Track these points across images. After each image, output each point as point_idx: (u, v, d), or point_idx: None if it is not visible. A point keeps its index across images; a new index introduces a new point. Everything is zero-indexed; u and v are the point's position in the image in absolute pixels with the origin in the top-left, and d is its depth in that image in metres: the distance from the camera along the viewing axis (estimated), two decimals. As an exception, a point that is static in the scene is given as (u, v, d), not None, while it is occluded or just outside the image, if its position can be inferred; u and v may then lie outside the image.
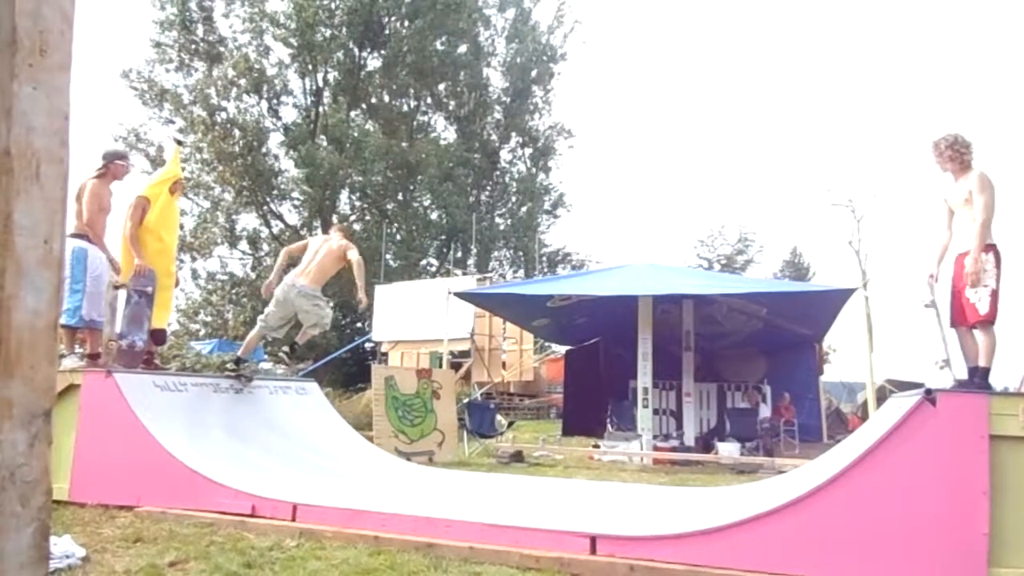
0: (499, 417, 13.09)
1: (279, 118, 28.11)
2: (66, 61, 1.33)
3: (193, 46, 26.47)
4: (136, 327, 6.06)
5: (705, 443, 11.68)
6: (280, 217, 29.01)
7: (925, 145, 4.75)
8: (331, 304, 6.81)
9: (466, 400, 14.07)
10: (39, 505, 1.27)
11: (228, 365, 6.75)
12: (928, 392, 3.72)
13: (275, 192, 27.96)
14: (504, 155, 33.96)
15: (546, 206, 33.81)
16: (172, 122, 26.77)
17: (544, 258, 31.36)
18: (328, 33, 26.53)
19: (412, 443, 9.32)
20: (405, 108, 30.49)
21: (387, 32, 27.68)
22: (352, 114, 28.51)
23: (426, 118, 31.73)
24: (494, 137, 33.07)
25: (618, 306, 11.83)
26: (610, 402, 13.00)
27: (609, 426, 12.10)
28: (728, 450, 10.40)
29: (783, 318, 12.78)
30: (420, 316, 16.47)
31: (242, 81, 26.14)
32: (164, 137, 26.18)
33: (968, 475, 3.52)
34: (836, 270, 62.86)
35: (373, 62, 28.56)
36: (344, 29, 26.72)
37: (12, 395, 1.23)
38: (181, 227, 20.02)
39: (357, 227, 29.59)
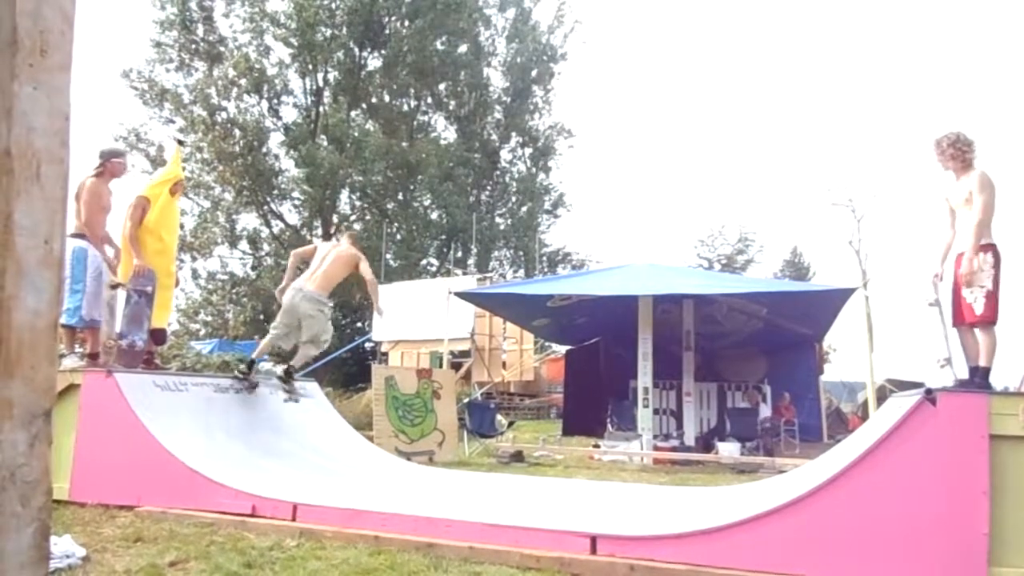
0: (499, 417, 13.09)
1: (279, 118, 28.16)
2: (66, 61, 1.34)
3: (193, 46, 26.48)
4: (136, 327, 6.05)
5: (705, 443, 11.68)
6: (280, 217, 29.05)
7: (925, 144, 4.75)
8: (331, 306, 6.78)
9: (466, 400, 14.06)
10: (39, 505, 1.27)
11: (241, 368, 6.68)
12: (928, 392, 3.72)
13: (275, 192, 27.98)
14: (504, 155, 34.01)
15: (546, 206, 33.82)
16: (172, 122, 26.81)
17: (544, 258, 31.37)
18: (328, 33, 26.53)
19: (412, 443, 9.32)
20: (405, 108, 30.49)
21: (387, 32, 27.69)
22: (352, 114, 28.51)
23: (426, 118, 31.75)
24: (494, 137, 33.08)
25: (618, 306, 11.83)
26: (610, 402, 13.01)
27: (609, 426, 12.10)
28: (728, 450, 10.40)
29: (783, 318, 12.78)
30: (420, 316, 16.45)
31: (242, 81, 26.15)
32: (164, 137, 26.22)
33: (968, 475, 3.52)
34: (836, 270, 62.91)
35: (373, 62, 28.58)
36: (344, 29, 26.73)
37: (12, 395, 1.23)
38: (181, 227, 20.03)
39: (357, 227, 29.60)
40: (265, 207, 28.22)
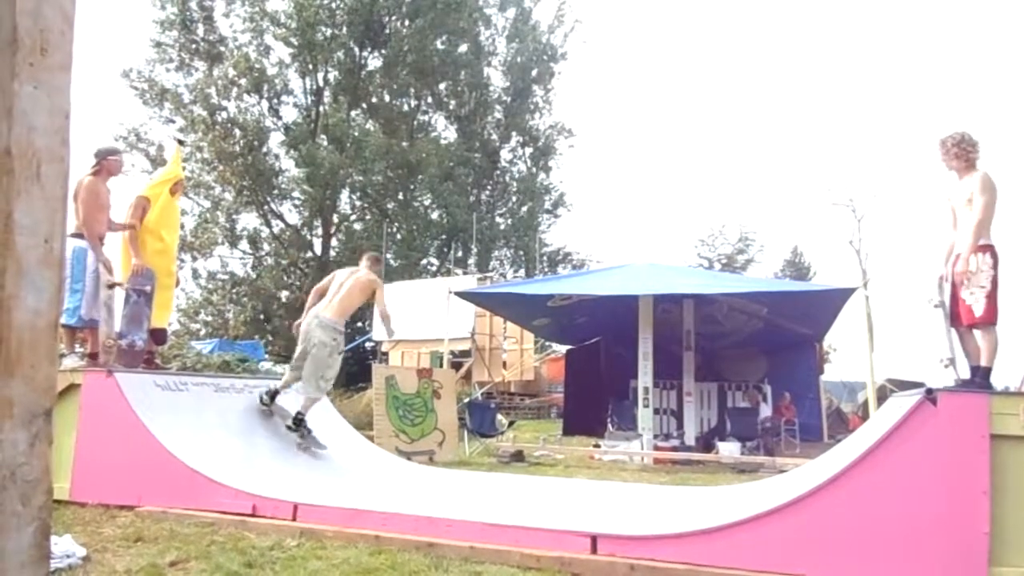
0: (500, 417, 13.08)
1: (279, 118, 28.18)
2: (67, 61, 1.34)
3: (193, 45, 26.49)
4: (136, 326, 6.05)
5: (706, 443, 11.67)
6: (280, 217, 29.06)
7: (926, 144, 4.75)
8: (343, 333, 6.68)
9: (467, 400, 14.06)
10: (40, 504, 1.27)
11: (288, 424, 6.36)
12: (929, 391, 3.72)
13: (275, 192, 27.99)
14: (504, 155, 34.04)
15: (546, 206, 33.85)
16: (172, 121, 26.83)
17: (544, 258, 31.37)
18: (328, 32, 26.54)
19: (413, 442, 9.32)
20: (405, 108, 30.51)
21: (387, 31, 27.70)
22: (352, 114, 28.53)
23: (426, 117, 31.77)
24: (494, 137, 33.09)
25: (619, 306, 11.83)
26: (611, 402, 13.00)
27: (610, 426, 12.10)
28: (729, 449, 10.39)
29: (784, 317, 12.77)
30: (421, 316, 16.46)
31: (242, 81, 26.16)
32: (165, 137, 26.24)
33: (969, 474, 3.52)
34: (837, 270, 62.80)
35: (373, 61, 28.60)
36: (344, 28, 26.74)
37: (13, 395, 1.23)
38: (182, 227, 19.99)
39: (357, 227, 29.63)
40: (265, 207, 28.23)
